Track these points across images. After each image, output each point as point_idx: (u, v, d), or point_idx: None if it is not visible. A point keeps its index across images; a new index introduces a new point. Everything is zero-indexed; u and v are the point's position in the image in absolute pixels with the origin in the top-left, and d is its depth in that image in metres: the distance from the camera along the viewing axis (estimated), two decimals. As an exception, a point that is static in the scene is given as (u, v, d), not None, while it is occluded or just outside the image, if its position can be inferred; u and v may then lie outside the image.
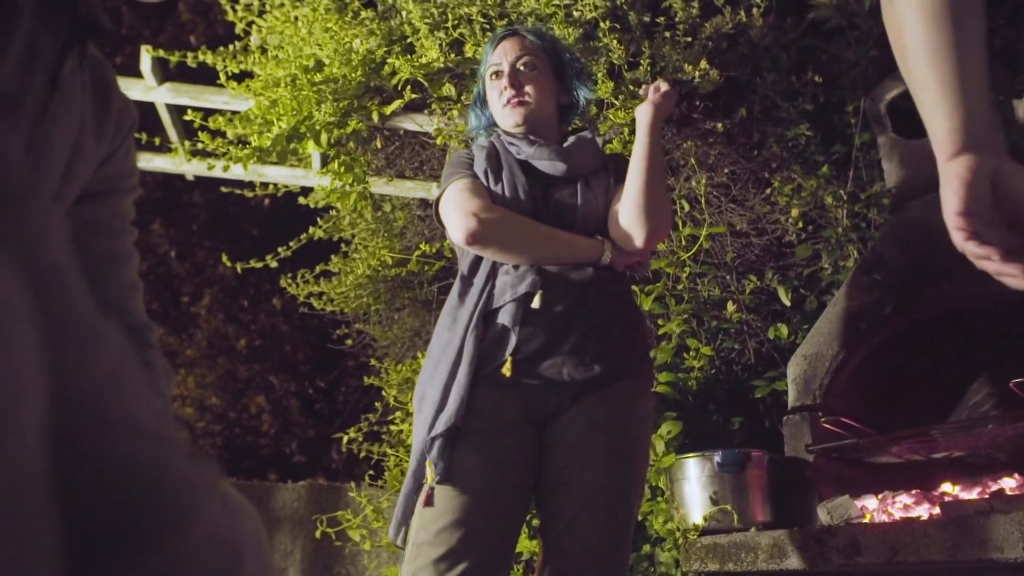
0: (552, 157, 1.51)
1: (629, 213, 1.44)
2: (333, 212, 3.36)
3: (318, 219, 3.22)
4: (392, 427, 2.73)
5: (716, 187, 2.64)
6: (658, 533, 2.05)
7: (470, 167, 1.53)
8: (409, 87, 2.43)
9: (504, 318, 1.39)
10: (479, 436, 1.34)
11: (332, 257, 3.37)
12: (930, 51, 0.83)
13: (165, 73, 2.80)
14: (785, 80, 2.59)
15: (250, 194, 3.10)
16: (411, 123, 2.74)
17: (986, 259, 0.78)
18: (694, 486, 1.94)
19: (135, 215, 0.85)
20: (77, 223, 0.75)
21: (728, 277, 2.54)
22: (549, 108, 1.59)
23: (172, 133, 3.03)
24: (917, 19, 0.84)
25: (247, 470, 6.84)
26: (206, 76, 2.72)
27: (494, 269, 1.45)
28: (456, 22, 2.38)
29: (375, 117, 2.54)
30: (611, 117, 2.33)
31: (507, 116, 1.56)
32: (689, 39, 2.40)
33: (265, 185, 3.11)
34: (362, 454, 2.80)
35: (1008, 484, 1.77)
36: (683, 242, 2.46)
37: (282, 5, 2.61)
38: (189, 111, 2.54)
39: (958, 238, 0.79)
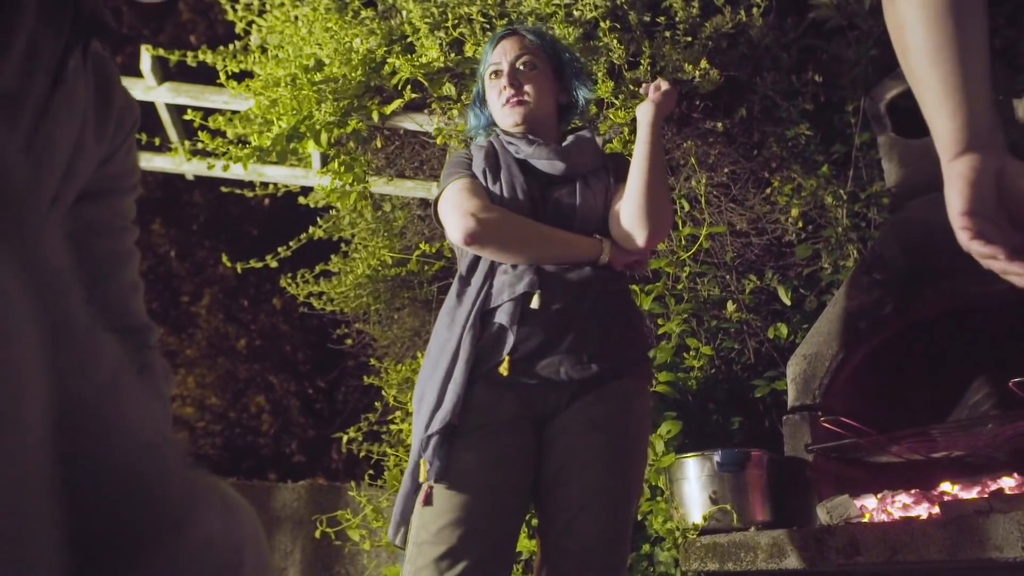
0: (551, 156, 1.51)
1: (630, 212, 1.44)
2: (333, 212, 3.36)
3: (318, 219, 3.22)
4: (392, 427, 2.73)
5: (716, 187, 2.64)
6: (658, 533, 2.05)
7: (469, 167, 1.53)
8: (409, 87, 2.43)
9: (502, 317, 1.39)
10: (477, 435, 1.34)
11: (332, 257, 3.37)
12: (932, 50, 0.83)
13: (165, 73, 2.80)
14: (785, 80, 2.59)
15: (250, 194, 3.10)
16: (411, 123, 2.74)
17: (992, 258, 0.78)
18: (694, 486, 1.94)
19: (136, 214, 0.85)
20: (77, 222, 0.74)
21: (728, 277, 2.54)
22: (548, 108, 1.59)
23: (172, 133, 3.03)
24: (919, 18, 0.84)
25: (247, 470, 6.84)
26: (206, 76, 2.72)
27: (492, 269, 1.45)
28: (456, 21, 2.38)
29: (375, 117, 2.54)
30: (611, 117, 2.33)
31: (506, 115, 1.56)
32: (689, 39, 2.40)
33: (265, 185, 3.11)
34: (362, 454, 2.80)
35: (1007, 483, 1.77)
36: (683, 242, 2.46)
37: (282, 5, 2.61)
38: (189, 111, 2.54)
39: (963, 237, 0.79)
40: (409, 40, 2.42)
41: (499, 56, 1.58)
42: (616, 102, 2.33)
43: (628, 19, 2.40)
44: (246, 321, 7.40)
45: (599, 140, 1.63)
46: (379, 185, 3.12)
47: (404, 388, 2.76)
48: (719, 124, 2.62)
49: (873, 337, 1.96)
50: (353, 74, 2.45)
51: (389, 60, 2.40)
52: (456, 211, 1.44)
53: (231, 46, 2.61)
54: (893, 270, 1.94)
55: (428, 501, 1.32)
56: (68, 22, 0.63)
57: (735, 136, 2.70)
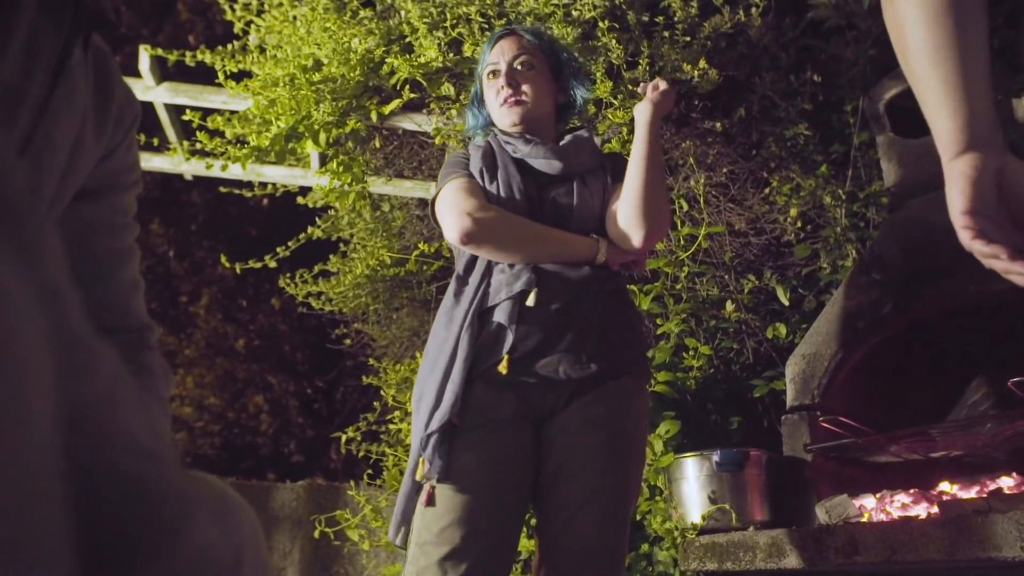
0: (548, 156, 1.51)
1: (628, 212, 1.44)
2: (332, 212, 3.36)
3: (316, 219, 3.21)
4: (391, 427, 2.73)
5: (715, 186, 2.64)
6: (656, 532, 2.05)
7: (466, 167, 1.53)
8: (408, 86, 2.43)
9: (500, 316, 1.39)
10: (477, 434, 1.34)
11: (331, 257, 3.37)
12: (932, 50, 0.83)
13: (163, 72, 2.80)
14: (784, 79, 2.59)
15: (249, 194, 3.10)
16: (410, 122, 2.74)
17: (994, 257, 0.78)
18: (692, 485, 1.94)
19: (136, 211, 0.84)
20: (77, 220, 0.73)
21: (727, 276, 2.54)
22: (546, 107, 1.59)
23: (170, 133, 3.03)
24: (918, 18, 0.84)
25: (246, 470, 6.83)
26: (205, 75, 2.72)
27: (489, 268, 1.45)
28: (455, 21, 2.38)
29: (374, 117, 2.54)
30: (610, 117, 2.33)
31: (504, 115, 1.56)
32: (688, 39, 2.40)
33: (264, 185, 3.11)
34: (361, 454, 2.80)
35: (1006, 483, 1.77)
36: (682, 241, 2.46)
37: (280, 4, 2.61)
38: (188, 111, 2.54)
39: (965, 237, 0.79)
40: (407, 40, 2.42)
41: (497, 56, 1.58)
42: (615, 102, 2.33)
43: (627, 19, 2.40)
44: (245, 321, 7.39)
45: (597, 140, 1.63)
46: (378, 185, 3.12)
47: (403, 388, 2.76)
48: (718, 124, 2.62)
49: (872, 337, 1.96)
50: (352, 74, 2.45)
51: (387, 60, 2.40)
52: (453, 210, 1.44)
53: (229, 46, 2.61)
54: (892, 270, 1.94)
55: (431, 502, 1.32)
56: (69, 16, 0.62)
57: (734, 136, 2.70)
